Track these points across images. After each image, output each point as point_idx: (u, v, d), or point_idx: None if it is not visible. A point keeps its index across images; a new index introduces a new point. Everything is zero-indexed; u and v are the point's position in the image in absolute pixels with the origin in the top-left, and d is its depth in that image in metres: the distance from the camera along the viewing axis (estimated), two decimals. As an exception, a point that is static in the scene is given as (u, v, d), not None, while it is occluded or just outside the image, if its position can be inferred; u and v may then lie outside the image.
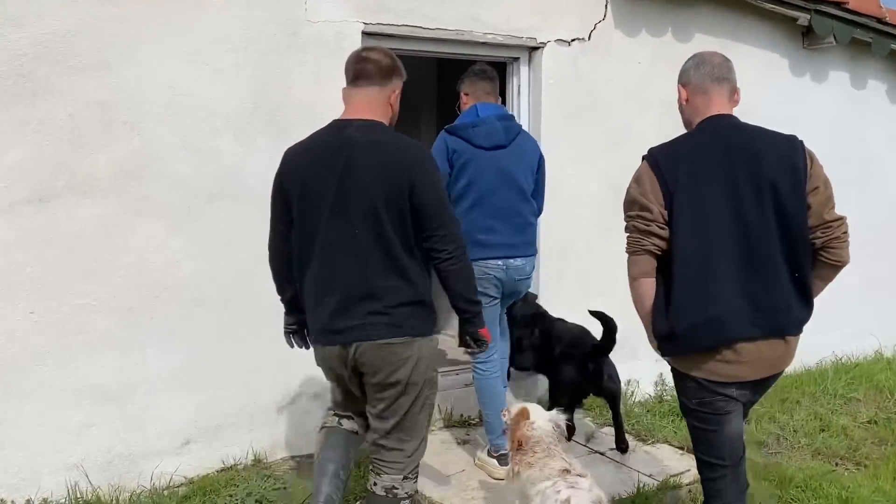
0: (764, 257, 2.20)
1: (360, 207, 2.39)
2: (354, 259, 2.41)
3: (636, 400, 4.69)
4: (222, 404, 3.69)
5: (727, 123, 2.31)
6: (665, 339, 2.28)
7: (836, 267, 2.30)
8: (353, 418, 2.77)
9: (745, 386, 2.29)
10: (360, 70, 2.50)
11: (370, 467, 2.67)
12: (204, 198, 3.57)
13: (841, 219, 2.27)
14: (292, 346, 2.84)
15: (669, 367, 2.44)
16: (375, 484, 2.61)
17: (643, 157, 2.34)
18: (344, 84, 2.60)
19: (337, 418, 2.79)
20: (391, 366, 2.45)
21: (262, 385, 3.77)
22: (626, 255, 2.33)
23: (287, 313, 2.78)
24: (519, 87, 4.44)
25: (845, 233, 2.26)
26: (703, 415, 2.33)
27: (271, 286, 2.76)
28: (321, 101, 3.68)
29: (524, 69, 4.44)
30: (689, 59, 2.42)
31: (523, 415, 2.74)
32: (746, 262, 2.20)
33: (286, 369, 3.79)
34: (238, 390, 3.71)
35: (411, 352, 2.46)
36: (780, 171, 2.20)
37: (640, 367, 4.60)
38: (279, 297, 2.76)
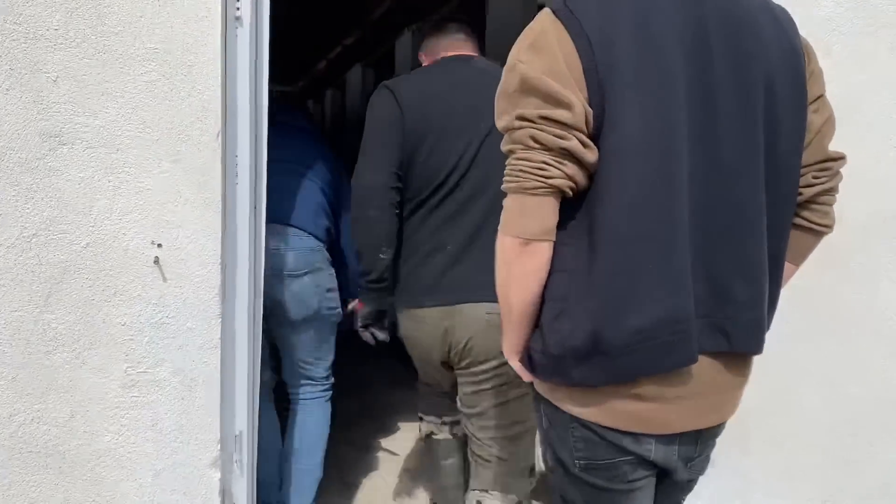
0: (743, 213, 1.27)
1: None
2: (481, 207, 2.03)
3: None
4: None
5: None
6: (577, 357, 1.25)
7: (820, 235, 1.45)
8: (459, 422, 2.28)
9: (673, 440, 1.33)
10: (443, 23, 2.26)
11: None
12: None
13: (843, 157, 1.40)
14: (374, 343, 2.24)
15: (536, 400, 1.44)
16: None
17: (545, 7, 1.26)
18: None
19: (448, 427, 2.37)
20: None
21: None
22: (508, 195, 1.25)
23: (371, 298, 2.14)
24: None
25: (839, 181, 1.41)
26: (593, 488, 1.36)
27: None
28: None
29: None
30: None
31: None
32: (714, 219, 1.25)
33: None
34: None
35: None
36: (780, 62, 1.28)
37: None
38: (368, 275, 2.07)
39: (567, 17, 1.19)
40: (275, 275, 2.29)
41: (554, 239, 1.26)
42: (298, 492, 2.44)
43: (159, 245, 1.78)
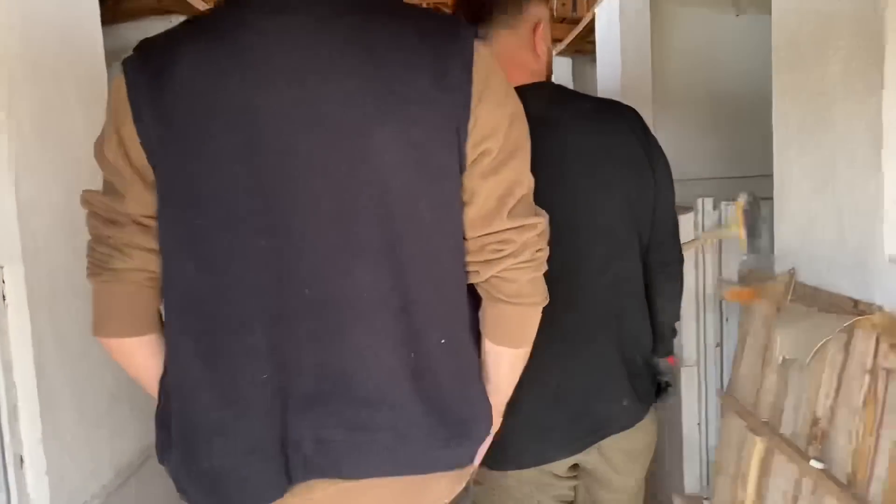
0: (348, 292, 1.06)
1: None
2: None
3: None
4: None
5: None
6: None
7: (510, 304, 1.11)
8: None
9: None
10: None
11: None
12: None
13: (533, 223, 1.08)
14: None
15: None
16: None
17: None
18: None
19: None
20: None
21: None
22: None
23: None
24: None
25: (540, 250, 1.10)
26: None
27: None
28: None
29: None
30: None
31: None
32: (300, 307, 1.05)
33: None
34: None
35: None
36: (399, 161, 1.02)
37: None
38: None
39: (133, 84, 1.06)
40: None
41: (143, 334, 1.13)
42: None
43: None
